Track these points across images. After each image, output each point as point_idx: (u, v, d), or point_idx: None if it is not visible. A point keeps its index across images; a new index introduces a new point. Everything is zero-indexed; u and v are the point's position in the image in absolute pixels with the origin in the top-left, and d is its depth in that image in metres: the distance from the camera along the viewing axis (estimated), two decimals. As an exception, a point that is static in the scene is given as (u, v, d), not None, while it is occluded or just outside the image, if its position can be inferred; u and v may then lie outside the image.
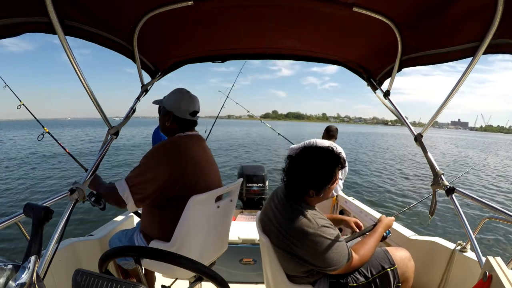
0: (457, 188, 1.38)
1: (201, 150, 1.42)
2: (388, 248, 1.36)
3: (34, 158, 12.85)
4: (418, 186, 9.57)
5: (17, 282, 0.61)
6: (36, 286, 0.63)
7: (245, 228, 2.36)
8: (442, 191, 1.43)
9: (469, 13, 1.17)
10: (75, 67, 1.22)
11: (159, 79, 2.07)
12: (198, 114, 1.47)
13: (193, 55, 2.06)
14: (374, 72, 2.01)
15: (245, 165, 3.99)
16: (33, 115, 2.69)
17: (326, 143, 3.04)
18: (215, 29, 1.69)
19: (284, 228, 1.16)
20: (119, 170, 10.40)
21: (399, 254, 1.33)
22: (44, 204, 0.83)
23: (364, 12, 1.33)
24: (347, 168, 3.12)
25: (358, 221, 1.57)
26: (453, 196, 1.38)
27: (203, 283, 1.44)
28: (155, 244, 1.30)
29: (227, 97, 4.21)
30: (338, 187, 3.12)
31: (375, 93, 2.03)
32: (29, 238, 0.67)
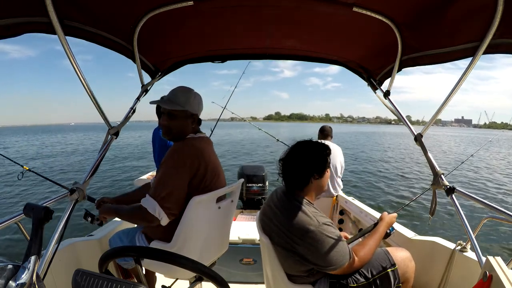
0: (457, 188, 1.38)
1: (212, 152, 1.42)
2: (388, 249, 1.35)
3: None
4: (420, 184, 9.57)
5: (17, 282, 0.61)
6: (36, 286, 0.63)
7: (245, 228, 2.36)
8: (442, 191, 1.43)
9: (469, 13, 1.17)
10: (75, 67, 1.22)
11: (159, 79, 2.07)
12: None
13: (193, 55, 2.05)
14: (374, 72, 2.01)
15: (245, 165, 3.98)
16: (10, 159, 2.42)
17: None
18: (215, 29, 1.69)
19: (285, 226, 1.16)
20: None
21: (400, 255, 1.32)
22: (44, 204, 0.83)
23: (364, 12, 1.33)
24: (343, 164, 3.12)
25: None
26: (453, 196, 1.38)
27: (203, 283, 1.44)
28: (155, 244, 1.30)
29: (224, 107, 4.09)
30: (338, 187, 3.12)
31: (375, 93, 2.03)
32: (29, 238, 0.67)
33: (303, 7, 1.40)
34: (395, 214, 1.40)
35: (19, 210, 0.85)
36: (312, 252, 1.12)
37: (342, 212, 3.08)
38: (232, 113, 4.56)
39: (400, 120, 1.80)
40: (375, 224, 1.37)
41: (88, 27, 1.32)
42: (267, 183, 3.73)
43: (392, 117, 1.88)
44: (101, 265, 0.84)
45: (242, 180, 1.59)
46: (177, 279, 1.41)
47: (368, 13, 1.34)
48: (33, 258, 0.64)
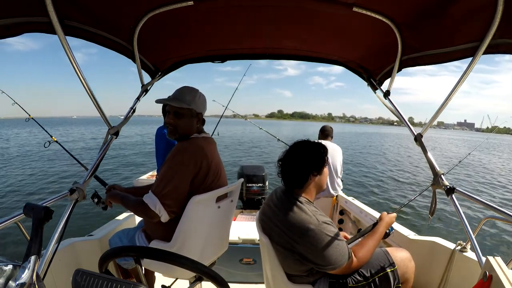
0: (457, 188, 1.38)
1: (215, 151, 1.43)
2: (388, 249, 1.35)
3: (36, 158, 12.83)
4: (420, 184, 9.57)
5: (17, 282, 0.61)
6: (36, 286, 0.63)
7: (245, 228, 2.36)
8: (442, 191, 1.43)
9: (469, 13, 1.17)
10: (75, 67, 1.22)
11: (159, 79, 2.07)
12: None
13: (193, 55, 2.06)
14: (374, 72, 2.01)
15: (245, 165, 3.98)
16: (42, 127, 2.69)
17: (324, 143, 3.04)
18: (215, 29, 1.69)
19: (284, 225, 1.16)
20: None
21: (400, 255, 1.32)
22: (44, 204, 0.83)
23: (364, 12, 1.33)
24: (342, 162, 3.11)
25: None
26: (453, 196, 1.38)
27: (203, 283, 1.44)
28: (155, 244, 1.30)
29: (226, 107, 4.09)
30: (338, 187, 3.12)
31: (375, 93, 2.03)
32: (29, 238, 0.67)
33: (303, 7, 1.40)
34: (394, 214, 1.40)
35: (20, 207, 0.85)
36: (311, 251, 1.12)
37: (342, 212, 3.08)
38: (233, 111, 4.56)
39: (400, 120, 1.80)
40: (374, 224, 1.36)
41: (88, 27, 1.32)
42: (267, 183, 3.73)
43: (395, 118, 1.88)
44: (101, 265, 0.84)
45: (242, 180, 1.59)
46: (177, 279, 1.41)
47: (368, 13, 1.34)
48: (33, 258, 0.64)
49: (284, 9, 1.44)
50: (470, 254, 1.56)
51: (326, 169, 1.29)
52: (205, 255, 1.38)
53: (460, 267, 1.58)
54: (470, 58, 1.28)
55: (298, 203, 1.18)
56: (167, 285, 1.21)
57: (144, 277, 1.05)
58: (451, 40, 1.35)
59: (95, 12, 1.28)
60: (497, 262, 0.90)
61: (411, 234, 1.93)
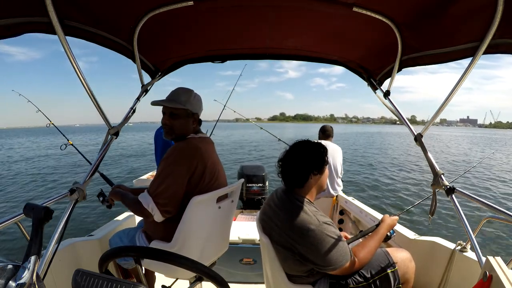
0: (457, 188, 1.38)
1: (214, 152, 1.44)
2: (388, 249, 1.35)
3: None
4: (421, 185, 9.56)
5: (17, 282, 0.61)
6: (36, 286, 0.63)
7: (245, 228, 2.36)
8: (442, 191, 1.43)
9: (469, 13, 1.17)
10: (75, 67, 1.22)
11: (159, 79, 2.07)
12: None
13: (193, 55, 2.05)
14: (374, 72, 2.01)
15: (245, 165, 3.97)
16: (61, 132, 2.93)
17: (324, 143, 3.03)
18: (215, 29, 1.69)
19: (285, 225, 1.16)
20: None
21: (400, 255, 1.32)
22: (44, 204, 0.83)
23: (364, 12, 1.33)
24: (342, 162, 3.11)
25: None
26: (453, 196, 1.38)
27: (203, 283, 1.44)
28: (155, 244, 1.30)
29: (225, 106, 4.13)
30: (338, 187, 3.12)
31: (375, 93, 2.03)
32: (29, 238, 0.67)
33: (303, 7, 1.40)
34: (396, 217, 1.39)
35: (21, 208, 0.85)
36: (312, 251, 1.12)
37: (342, 212, 3.08)
38: (234, 111, 4.57)
39: (400, 120, 1.80)
40: (377, 226, 1.36)
41: (88, 27, 1.32)
42: (267, 183, 3.72)
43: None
44: (101, 265, 0.84)
45: (242, 180, 1.59)
46: (177, 279, 1.41)
47: (368, 13, 1.34)
48: (33, 258, 0.64)
49: (284, 9, 1.44)
50: (470, 254, 1.56)
51: (326, 169, 1.29)
52: (205, 255, 1.38)
53: (460, 267, 1.58)
54: (470, 58, 1.28)
55: (299, 203, 1.18)
56: (167, 285, 1.21)
57: (144, 277, 1.05)
58: (451, 40, 1.35)
59: (95, 12, 1.28)
60: (497, 262, 0.90)
61: (411, 234, 1.93)
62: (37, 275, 0.65)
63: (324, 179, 1.29)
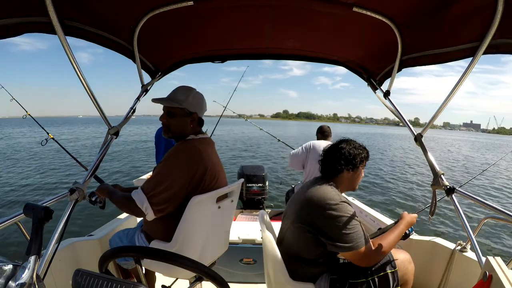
0: (457, 188, 1.38)
1: (214, 153, 1.42)
2: None
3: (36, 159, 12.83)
4: (423, 185, 9.56)
5: (17, 282, 0.61)
6: (36, 286, 0.63)
7: (245, 228, 2.36)
8: (442, 191, 1.43)
9: (469, 13, 1.17)
10: (75, 67, 1.22)
11: (159, 79, 2.07)
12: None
13: (193, 55, 2.06)
14: (374, 72, 2.01)
15: (245, 165, 3.98)
16: (39, 124, 2.69)
17: (323, 143, 3.05)
18: (215, 29, 1.69)
19: (308, 199, 1.22)
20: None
21: (400, 257, 1.33)
22: (44, 204, 0.83)
23: (364, 12, 1.33)
24: None
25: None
26: (453, 196, 1.38)
27: (203, 283, 1.44)
28: (155, 244, 1.30)
29: (225, 107, 4.13)
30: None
31: (375, 93, 2.03)
32: (29, 238, 0.67)
33: (303, 7, 1.40)
34: (415, 215, 1.40)
35: (19, 209, 0.85)
36: (330, 226, 1.15)
37: None
38: (234, 112, 4.58)
39: (400, 120, 1.80)
40: (396, 222, 1.37)
41: (88, 27, 1.32)
42: (267, 183, 3.72)
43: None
44: (101, 265, 0.84)
45: (242, 180, 1.59)
46: (177, 278, 1.41)
47: (368, 13, 1.34)
48: (33, 258, 0.64)
49: (284, 9, 1.44)
50: (470, 254, 1.56)
51: (362, 172, 1.36)
52: (205, 255, 1.38)
53: (460, 267, 1.58)
54: (470, 58, 1.28)
55: (325, 185, 1.26)
56: (167, 285, 1.21)
57: (144, 277, 1.05)
58: (451, 40, 1.35)
59: (95, 12, 1.28)
60: (497, 262, 0.90)
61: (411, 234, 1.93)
62: (37, 275, 0.65)
63: (357, 178, 1.35)
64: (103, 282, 0.64)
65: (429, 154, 1.51)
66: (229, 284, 0.80)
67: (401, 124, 1.82)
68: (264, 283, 1.49)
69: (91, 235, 1.87)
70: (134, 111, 1.76)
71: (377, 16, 1.37)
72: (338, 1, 1.30)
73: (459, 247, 1.62)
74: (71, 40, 1.21)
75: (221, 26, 1.65)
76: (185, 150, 1.28)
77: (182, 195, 1.23)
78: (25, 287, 0.61)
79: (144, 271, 1.44)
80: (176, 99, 1.34)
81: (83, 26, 1.29)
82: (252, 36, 1.83)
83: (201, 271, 0.78)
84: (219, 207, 1.37)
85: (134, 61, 1.71)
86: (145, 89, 1.86)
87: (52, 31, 1.12)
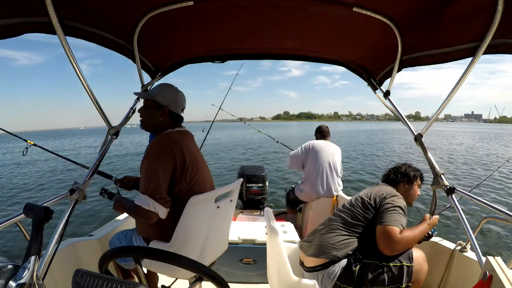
0: (457, 188, 1.38)
1: (193, 145, 1.44)
2: None
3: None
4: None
5: (17, 282, 0.61)
6: (36, 286, 0.63)
7: (245, 228, 2.35)
8: (442, 191, 1.44)
9: (469, 13, 1.17)
10: (75, 67, 1.22)
11: (159, 79, 2.07)
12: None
13: (193, 55, 2.05)
14: (374, 72, 2.01)
15: (245, 165, 3.97)
16: (11, 133, 2.44)
17: (323, 143, 3.05)
18: (215, 29, 1.69)
19: (375, 192, 1.48)
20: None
21: (417, 254, 1.36)
22: (44, 204, 0.83)
23: (364, 12, 1.33)
24: (341, 159, 3.11)
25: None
26: (453, 196, 1.38)
27: (203, 283, 1.44)
28: (155, 244, 1.30)
29: (220, 108, 4.14)
30: (338, 187, 3.12)
31: (375, 93, 2.03)
32: (29, 238, 0.67)
33: (303, 7, 1.40)
34: (437, 216, 1.49)
35: (19, 210, 0.85)
36: (385, 208, 1.36)
37: None
38: (232, 115, 4.60)
39: (400, 120, 1.80)
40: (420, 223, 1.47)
41: (88, 27, 1.32)
42: (267, 183, 3.72)
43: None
44: (101, 265, 0.84)
45: (241, 179, 1.59)
46: (176, 279, 1.41)
47: (368, 13, 1.34)
48: (33, 258, 0.64)
49: (284, 9, 1.44)
50: (470, 254, 1.56)
51: (417, 190, 1.63)
52: (205, 255, 1.38)
53: (460, 267, 1.58)
54: (470, 58, 1.28)
55: (385, 185, 1.57)
56: (167, 285, 1.21)
57: (144, 277, 1.05)
58: (451, 40, 1.35)
59: (95, 12, 1.28)
60: (497, 262, 0.90)
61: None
62: (37, 275, 0.65)
63: (412, 193, 1.60)
64: (103, 282, 0.64)
65: (429, 154, 1.51)
66: (229, 284, 0.80)
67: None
68: (265, 283, 1.49)
69: (91, 235, 1.87)
70: (134, 111, 1.76)
71: (377, 16, 1.37)
72: (338, 1, 1.30)
73: (459, 247, 1.62)
74: (71, 40, 1.21)
75: (221, 26, 1.65)
76: (161, 141, 1.30)
77: (172, 180, 1.25)
78: (25, 287, 0.61)
79: (146, 272, 1.44)
80: (151, 92, 1.39)
81: (83, 26, 1.29)
82: (252, 36, 1.83)
83: (200, 271, 0.77)
84: (217, 207, 1.37)
85: (134, 61, 1.71)
86: (145, 89, 1.86)
87: (52, 31, 1.12)
